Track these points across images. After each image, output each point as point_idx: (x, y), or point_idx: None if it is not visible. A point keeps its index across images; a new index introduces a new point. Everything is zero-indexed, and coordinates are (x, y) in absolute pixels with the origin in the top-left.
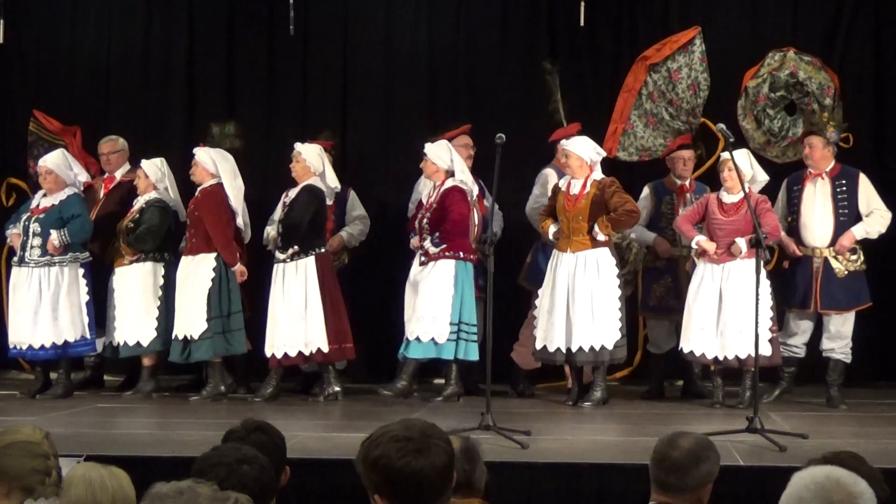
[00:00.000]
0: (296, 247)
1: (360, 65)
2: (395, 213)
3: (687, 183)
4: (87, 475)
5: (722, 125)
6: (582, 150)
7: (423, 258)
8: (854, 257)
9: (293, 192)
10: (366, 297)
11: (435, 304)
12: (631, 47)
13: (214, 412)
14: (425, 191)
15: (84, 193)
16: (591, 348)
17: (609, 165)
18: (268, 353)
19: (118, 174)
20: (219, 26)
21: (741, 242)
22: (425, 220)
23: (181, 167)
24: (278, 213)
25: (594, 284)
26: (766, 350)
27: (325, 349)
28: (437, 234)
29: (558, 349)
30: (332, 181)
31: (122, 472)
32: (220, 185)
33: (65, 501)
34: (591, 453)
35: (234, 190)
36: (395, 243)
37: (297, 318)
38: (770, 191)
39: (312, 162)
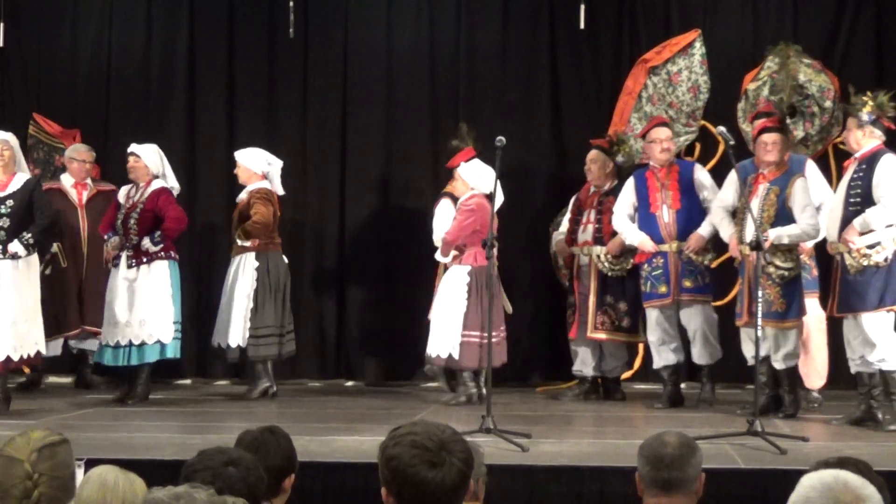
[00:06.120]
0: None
1: (360, 67)
2: (395, 216)
3: (765, 171)
4: (102, 476)
5: (722, 128)
6: (249, 161)
7: (132, 260)
8: (870, 251)
9: None
10: (368, 301)
11: (160, 304)
12: (631, 50)
13: (202, 416)
14: (122, 192)
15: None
16: (238, 346)
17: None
18: (13, 356)
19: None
20: (219, 28)
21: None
22: (132, 221)
23: (183, 170)
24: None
25: (233, 286)
26: (455, 353)
27: (44, 351)
28: (158, 234)
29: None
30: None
31: (139, 480)
32: None
33: (76, 499)
34: (593, 456)
35: None
36: (395, 246)
37: (32, 317)
38: None
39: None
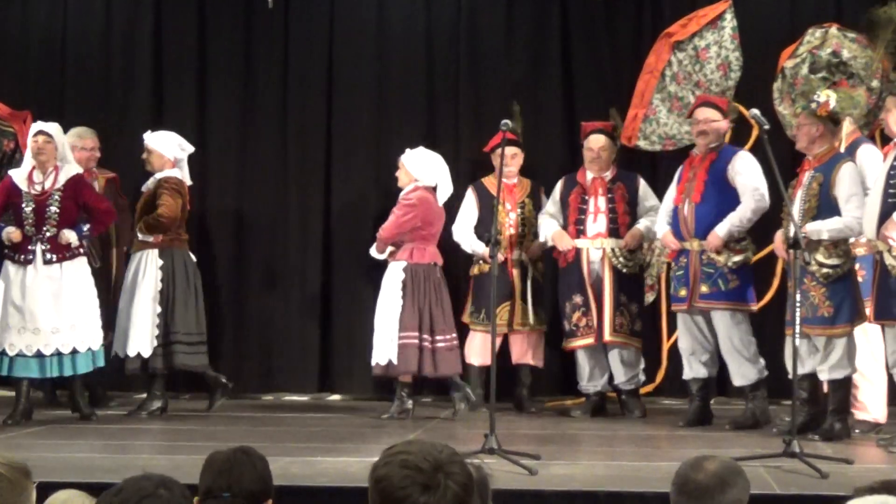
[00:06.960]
0: None
1: (348, 42)
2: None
3: (811, 157)
4: (69, 502)
5: (756, 111)
6: (163, 146)
7: (51, 255)
8: None
9: None
10: (355, 305)
11: (87, 306)
12: (653, 23)
13: (168, 435)
14: (19, 177)
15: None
16: (138, 355)
17: (629, 155)
18: None
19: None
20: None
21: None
22: (53, 208)
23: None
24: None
25: (133, 287)
26: (394, 357)
27: None
28: (87, 227)
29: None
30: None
31: None
32: None
33: None
34: (609, 480)
35: None
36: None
37: None
38: None
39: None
